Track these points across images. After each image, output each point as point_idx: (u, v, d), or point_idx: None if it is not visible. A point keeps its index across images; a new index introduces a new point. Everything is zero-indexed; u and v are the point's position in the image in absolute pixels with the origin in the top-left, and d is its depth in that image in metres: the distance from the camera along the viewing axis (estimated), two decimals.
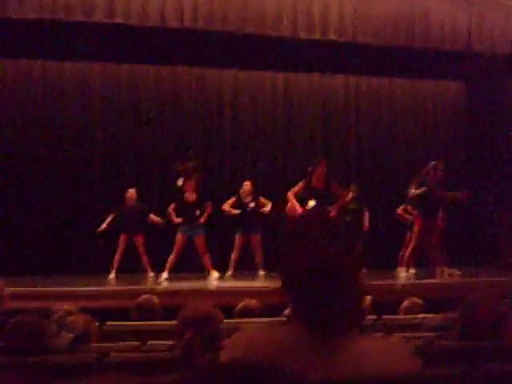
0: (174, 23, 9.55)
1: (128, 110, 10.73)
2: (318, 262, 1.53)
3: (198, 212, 9.10)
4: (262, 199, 9.60)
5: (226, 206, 9.49)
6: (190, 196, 9.13)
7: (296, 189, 8.40)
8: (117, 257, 9.33)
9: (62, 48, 10.16)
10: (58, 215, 10.19)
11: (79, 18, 9.26)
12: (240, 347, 1.57)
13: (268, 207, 9.48)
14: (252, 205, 9.46)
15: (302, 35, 10.08)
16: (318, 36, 10.15)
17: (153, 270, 9.36)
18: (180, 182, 9.08)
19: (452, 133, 12.00)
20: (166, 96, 10.89)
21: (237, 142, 11.13)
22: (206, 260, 9.19)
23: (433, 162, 9.23)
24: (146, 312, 4.64)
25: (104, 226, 9.34)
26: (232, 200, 9.56)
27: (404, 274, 9.11)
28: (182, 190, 9.14)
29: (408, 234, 9.70)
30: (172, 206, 9.18)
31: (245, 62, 11.01)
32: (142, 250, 9.43)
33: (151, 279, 9.18)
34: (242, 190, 9.56)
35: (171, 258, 9.10)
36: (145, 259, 9.43)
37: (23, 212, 10.02)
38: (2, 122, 10.18)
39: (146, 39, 10.19)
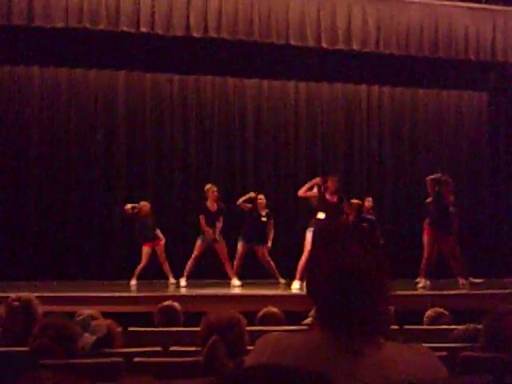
0: (198, 33, 9.64)
1: (152, 117, 10.80)
2: (344, 269, 1.54)
3: (217, 223, 9.23)
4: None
5: (240, 201, 9.53)
6: (212, 206, 9.23)
7: (309, 193, 8.71)
8: (140, 267, 9.37)
9: (88, 56, 10.29)
10: (83, 221, 10.27)
11: (105, 26, 9.39)
12: (265, 352, 1.57)
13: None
14: (264, 219, 9.48)
15: (326, 45, 10.12)
16: (341, 46, 10.18)
17: (174, 277, 9.39)
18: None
19: (475, 143, 11.91)
20: (190, 105, 10.94)
21: (259, 152, 11.14)
22: (228, 267, 9.24)
23: (439, 175, 9.24)
24: (168, 317, 4.67)
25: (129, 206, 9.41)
26: (248, 196, 9.59)
27: (421, 285, 9.08)
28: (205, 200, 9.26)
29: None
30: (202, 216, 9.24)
31: (268, 71, 11.06)
32: (162, 256, 9.45)
33: (172, 286, 9.21)
34: (257, 203, 9.55)
35: (189, 264, 9.18)
36: (166, 266, 9.46)
37: (49, 218, 10.12)
38: (29, 128, 10.27)
39: (171, 48, 10.29)
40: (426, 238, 9.26)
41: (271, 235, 9.63)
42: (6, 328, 3.60)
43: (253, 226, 9.47)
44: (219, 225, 9.28)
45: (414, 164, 11.68)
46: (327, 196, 8.57)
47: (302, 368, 1.10)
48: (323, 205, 8.48)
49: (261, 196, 9.60)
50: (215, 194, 9.31)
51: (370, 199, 10.21)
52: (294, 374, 1.10)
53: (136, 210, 9.35)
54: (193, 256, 9.23)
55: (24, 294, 3.90)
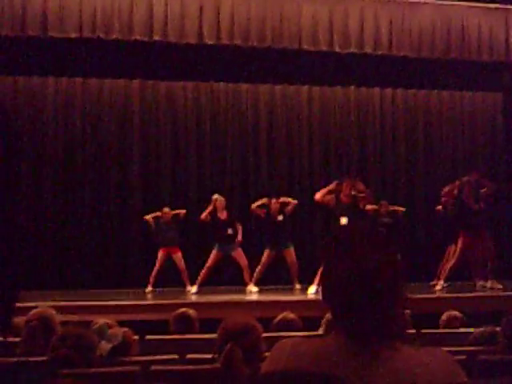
0: (211, 40, 9.68)
1: (166, 125, 10.85)
2: (359, 272, 1.53)
3: (229, 230, 9.22)
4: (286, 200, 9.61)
5: (254, 206, 9.52)
6: (222, 214, 9.27)
7: (326, 198, 8.70)
8: (154, 272, 9.41)
9: (102, 66, 10.37)
10: (98, 230, 10.33)
11: (118, 36, 9.46)
12: (282, 358, 1.57)
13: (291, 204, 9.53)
14: (280, 217, 9.44)
15: (338, 49, 10.12)
16: (353, 49, 10.17)
17: (191, 284, 9.40)
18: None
19: (490, 144, 11.84)
20: (204, 111, 10.98)
21: (273, 157, 11.15)
22: (247, 273, 9.25)
23: (465, 178, 9.18)
24: (183, 325, 4.68)
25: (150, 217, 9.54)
26: (262, 201, 9.58)
27: (439, 287, 9.05)
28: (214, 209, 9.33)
29: (450, 247, 9.60)
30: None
31: (281, 76, 11.07)
32: (180, 264, 9.48)
33: (189, 294, 9.23)
34: (271, 209, 9.52)
35: (202, 272, 9.22)
36: (185, 274, 9.48)
37: (64, 227, 10.19)
38: (44, 138, 10.36)
39: (184, 56, 10.34)
40: (459, 245, 9.15)
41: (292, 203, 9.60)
42: (26, 347, 3.56)
43: (270, 232, 9.45)
44: (238, 236, 9.29)
45: (428, 166, 11.63)
46: (342, 198, 8.54)
47: (319, 373, 1.10)
48: (341, 208, 8.44)
49: (274, 200, 9.58)
50: (222, 203, 9.34)
51: (386, 203, 10.16)
52: (311, 380, 1.09)
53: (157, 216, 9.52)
54: (206, 265, 9.23)
55: (42, 310, 3.87)
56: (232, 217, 9.39)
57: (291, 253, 9.40)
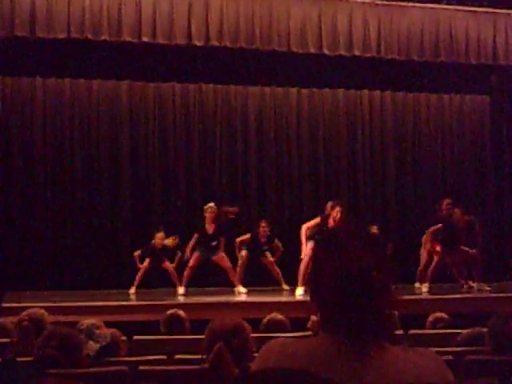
0: (199, 41, 9.68)
1: (155, 126, 10.82)
2: (348, 271, 1.54)
3: (214, 243, 9.22)
4: (277, 243, 9.67)
5: (238, 242, 9.53)
6: (209, 227, 9.25)
7: (311, 224, 8.72)
8: (140, 274, 9.34)
9: (91, 67, 10.33)
10: (87, 231, 10.28)
11: (106, 37, 9.44)
12: (271, 358, 1.57)
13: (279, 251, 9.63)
14: (265, 247, 9.48)
15: (327, 51, 10.14)
16: (342, 52, 10.20)
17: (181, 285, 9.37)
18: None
19: (478, 147, 11.90)
20: (193, 113, 10.96)
21: (262, 158, 11.15)
22: (232, 275, 9.24)
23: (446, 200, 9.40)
24: (174, 326, 4.67)
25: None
26: (247, 237, 9.56)
27: (425, 290, 9.12)
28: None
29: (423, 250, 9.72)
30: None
31: (270, 78, 11.08)
32: (171, 268, 9.43)
33: (180, 295, 9.20)
34: (259, 231, 9.48)
35: (187, 273, 9.18)
36: (174, 275, 9.43)
37: (53, 228, 10.14)
38: (33, 139, 10.30)
39: (173, 57, 10.33)
40: (437, 247, 9.28)
41: (278, 254, 9.67)
42: (18, 348, 3.54)
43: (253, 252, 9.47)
44: (221, 248, 9.31)
45: (416, 168, 11.68)
46: (330, 223, 8.49)
47: (307, 372, 1.10)
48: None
49: (263, 224, 9.53)
50: (212, 215, 9.28)
51: (376, 227, 9.70)
52: (300, 378, 1.09)
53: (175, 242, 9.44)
54: (189, 265, 9.18)
55: (34, 311, 3.85)
56: (218, 230, 9.30)
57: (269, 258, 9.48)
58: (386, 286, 1.53)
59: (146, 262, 9.34)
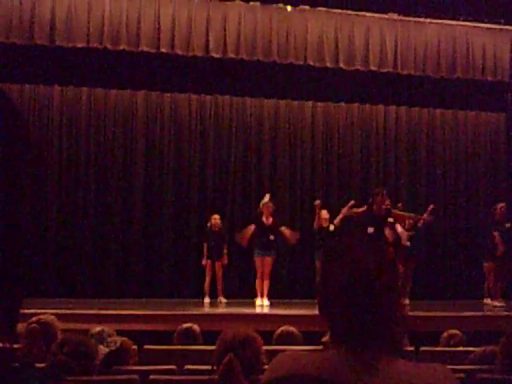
0: (217, 53, 9.74)
1: (170, 136, 10.86)
2: (357, 279, 1.54)
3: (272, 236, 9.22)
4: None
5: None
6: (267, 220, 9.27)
7: (357, 210, 8.81)
8: (207, 283, 9.48)
9: (108, 76, 10.41)
10: (100, 240, 10.32)
11: (125, 47, 9.53)
12: (281, 370, 1.58)
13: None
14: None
15: (343, 66, 10.17)
16: (358, 67, 10.23)
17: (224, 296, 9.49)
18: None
19: (493, 164, 11.84)
20: (208, 124, 10.99)
21: (276, 171, 11.16)
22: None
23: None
24: (188, 340, 4.65)
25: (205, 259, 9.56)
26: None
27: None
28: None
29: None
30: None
31: (286, 91, 11.11)
32: (220, 275, 9.51)
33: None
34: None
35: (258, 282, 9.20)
36: (220, 284, 9.51)
37: (65, 236, 10.18)
38: (49, 147, 10.37)
39: (190, 69, 10.39)
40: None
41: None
42: (25, 350, 3.55)
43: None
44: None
45: (430, 185, 11.63)
46: (375, 209, 8.58)
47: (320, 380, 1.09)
48: (371, 219, 8.55)
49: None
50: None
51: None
52: None
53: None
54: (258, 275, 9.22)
55: (43, 316, 3.86)
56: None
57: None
58: (394, 293, 1.53)
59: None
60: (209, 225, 9.60)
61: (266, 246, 9.11)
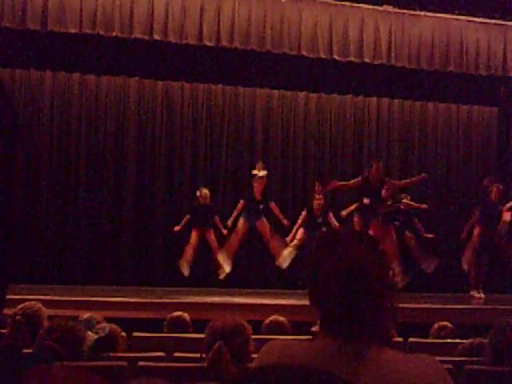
0: (210, 42, 9.70)
1: (162, 124, 10.83)
2: (346, 272, 1.54)
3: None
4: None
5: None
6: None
7: (351, 182, 9.28)
8: (189, 251, 9.41)
9: (101, 62, 10.35)
10: (90, 226, 10.29)
11: (118, 33, 9.47)
12: (271, 358, 1.58)
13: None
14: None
15: (337, 57, 10.15)
16: (352, 58, 10.21)
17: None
18: None
19: (485, 158, 11.89)
20: (200, 113, 10.97)
21: (268, 161, 11.10)
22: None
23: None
24: (178, 328, 4.65)
25: (180, 226, 9.52)
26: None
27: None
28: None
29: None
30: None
31: (279, 81, 11.09)
32: (214, 244, 9.47)
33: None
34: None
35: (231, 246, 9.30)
36: (217, 253, 9.45)
37: (55, 223, 10.15)
38: (40, 133, 10.31)
39: (183, 56, 10.35)
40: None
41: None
42: (11, 340, 3.51)
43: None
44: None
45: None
46: (371, 180, 8.96)
47: (314, 369, 1.07)
48: (366, 189, 8.88)
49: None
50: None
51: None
52: (306, 374, 1.06)
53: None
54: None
55: (29, 304, 3.81)
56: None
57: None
58: (384, 286, 1.53)
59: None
60: (198, 194, 9.58)
61: (255, 216, 9.27)
